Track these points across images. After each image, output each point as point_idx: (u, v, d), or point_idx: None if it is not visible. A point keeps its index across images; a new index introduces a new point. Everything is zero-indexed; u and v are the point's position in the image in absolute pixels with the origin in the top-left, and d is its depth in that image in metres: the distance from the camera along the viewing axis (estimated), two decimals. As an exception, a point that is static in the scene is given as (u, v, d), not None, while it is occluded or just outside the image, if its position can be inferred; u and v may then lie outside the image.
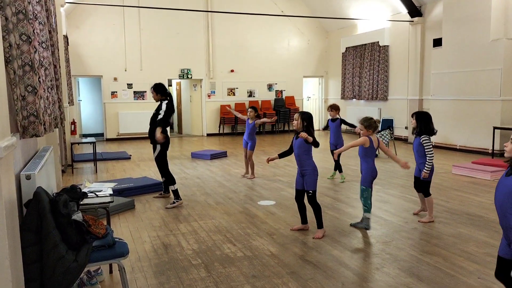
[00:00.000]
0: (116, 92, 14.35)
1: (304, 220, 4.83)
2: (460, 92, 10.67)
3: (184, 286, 3.51)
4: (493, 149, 9.69)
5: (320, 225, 4.66)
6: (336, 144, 7.43)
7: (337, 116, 7.42)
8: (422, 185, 5.17)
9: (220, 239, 4.61)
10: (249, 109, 7.73)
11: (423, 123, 5.02)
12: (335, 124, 7.39)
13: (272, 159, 4.88)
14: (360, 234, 4.75)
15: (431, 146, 4.98)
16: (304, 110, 16.92)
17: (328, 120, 7.64)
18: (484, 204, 5.87)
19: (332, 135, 7.49)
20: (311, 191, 4.57)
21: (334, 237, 4.63)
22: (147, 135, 6.28)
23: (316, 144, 4.49)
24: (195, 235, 4.77)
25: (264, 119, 8.11)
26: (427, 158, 4.95)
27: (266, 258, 4.06)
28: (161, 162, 6.11)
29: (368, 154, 4.74)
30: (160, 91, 6.09)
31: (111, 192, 4.11)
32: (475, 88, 10.27)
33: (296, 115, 4.60)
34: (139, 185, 6.80)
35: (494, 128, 9.60)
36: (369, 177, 4.74)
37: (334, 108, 7.45)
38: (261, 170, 8.45)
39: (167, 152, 6.14)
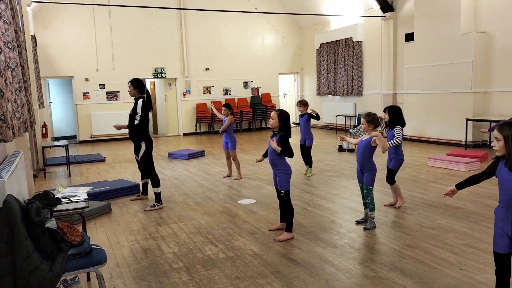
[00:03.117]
0: (88, 93, 14.01)
1: (282, 218, 4.77)
2: (433, 86, 10.85)
3: (166, 291, 3.41)
4: (466, 141, 9.90)
5: (289, 228, 4.52)
6: (305, 138, 7.59)
7: (306, 112, 7.56)
8: (388, 173, 5.42)
9: (201, 241, 4.53)
10: (223, 108, 7.62)
11: (396, 116, 5.32)
12: (304, 119, 7.52)
13: (260, 160, 4.86)
14: (342, 229, 4.74)
15: (401, 135, 5.24)
16: (281, 107, 17.00)
17: (299, 116, 7.75)
18: (461, 195, 5.96)
19: (302, 130, 7.57)
20: (283, 191, 4.48)
21: (316, 234, 4.60)
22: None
23: (288, 154, 4.34)
24: (175, 237, 4.67)
25: (225, 125, 7.48)
26: (394, 139, 5.20)
27: (249, 258, 4.00)
28: (147, 162, 5.97)
29: (372, 153, 4.69)
30: (138, 86, 5.94)
31: (86, 197, 3.97)
32: (447, 81, 10.46)
33: (273, 114, 4.43)
34: (115, 188, 6.62)
35: (467, 120, 9.80)
36: (374, 176, 4.73)
37: (302, 103, 7.67)
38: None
39: (152, 152, 6.03)
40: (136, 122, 5.82)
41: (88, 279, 3.69)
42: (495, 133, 2.52)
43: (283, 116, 4.43)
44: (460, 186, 2.98)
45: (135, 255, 4.21)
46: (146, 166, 6.02)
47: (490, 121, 9.42)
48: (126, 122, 6.07)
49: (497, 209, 2.65)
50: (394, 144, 5.20)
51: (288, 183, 4.49)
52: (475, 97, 9.95)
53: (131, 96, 6.02)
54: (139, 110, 5.83)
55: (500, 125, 2.51)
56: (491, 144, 2.61)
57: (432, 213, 5.19)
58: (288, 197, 4.52)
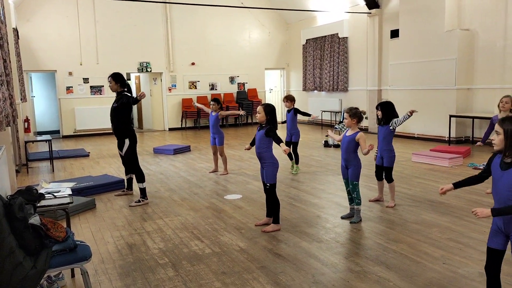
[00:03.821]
0: (72, 87, 13.79)
1: (269, 213, 4.78)
2: (417, 82, 10.97)
3: (152, 286, 3.39)
4: (449, 137, 10.04)
5: (276, 220, 4.59)
6: (291, 134, 7.49)
7: (292, 107, 7.49)
8: (385, 172, 5.37)
9: (187, 236, 4.51)
10: (212, 102, 7.60)
11: (389, 112, 5.27)
12: (290, 115, 7.47)
13: (248, 149, 4.85)
14: (327, 224, 4.77)
15: (398, 121, 5.20)
16: (267, 102, 16.98)
17: (286, 111, 7.69)
18: (444, 190, 6.04)
19: (288, 125, 7.53)
20: (268, 184, 4.52)
21: (302, 229, 4.63)
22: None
23: (276, 137, 4.40)
24: (161, 233, 4.65)
25: (231, 111, 7.82)
26: (397, 120, 5.16)
27: (235, 254, 4.00)
28: (131, 157, 5.89)
29: (357, 149, 4.71)
30: (119, 80, 5.85)
31: (70, 192, 3.93)
32: (431, 77, 10.59)
33: (259, 108, 4.53)
34: (100, 183, 6.55)
35: (450, 116, 9.94)
36: (359, 171, 4.76)
37: (289, 99, 7.56)
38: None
39: (136, 146, 5.96)
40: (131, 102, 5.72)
41: (73, 276, 3.65)
42: (496, 126, 2.49)
43: (269, 109, 4.48)
44: (458, 185, 2.88)
45: (120, 251, 4.17)
46: (130, 162, 5.95)
47: (473, 117, 9.58)
48: (113, 117, 5.95)
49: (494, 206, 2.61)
50: (400, 123, 5.16)
51: (274, 176, 4.51)
52: (458, 93, 10.09)
53: (113, 91, 5.92)
54: (132, 94, 5.76)
55: (501, 119, 2.50)
56: (491, 138, 2.60)
57: (416, 208, 5.26)
58: (274, 190, 4.54)
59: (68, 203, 3.55)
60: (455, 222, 4.71)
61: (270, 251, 4.05)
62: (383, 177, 5.46)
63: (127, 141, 5.83)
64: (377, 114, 5.35)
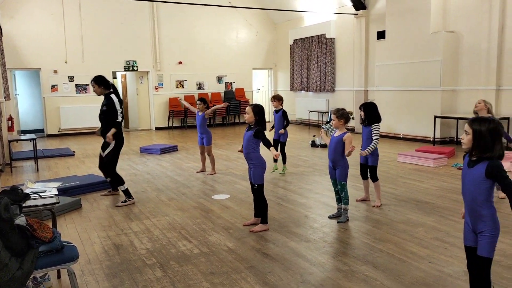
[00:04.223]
0: (57, 85, 13.61)
1: (256, 213, 4.79)
2: (403, 83, 11.09)
3: (139, 287, 3.37)
4: (434, 137, 10.17)
5: (264, 220, 4.61)
6: (279, 134, 7.42)
7: (280, 107, 7.44)
8: (370, 171, 5.41)
9: (175, 236, 4.49)
10: (198, 102, 7.57)
11: (371, 112, 5.30)
12: (278, 115, 7.41)
13: (242, 150, 4.75)
14: (315, 224, 4.80)
15: (379, 133, 5.24)
16: (254, 102, 16.99)
17: (274, 111, 7.61)
18: (429, 190, 6.14)
19: (276, 126, 7.49)
20: (256, 185, 4.53)
21: (290, 229, 4.64)
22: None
23: (267, 142, 4.46)
24: (148, 233, 4.62)
25: (214, 107, 7.89)
26: (373, 141, 5.18)
27: (224, 254, 4.00)
28: (111, 161, 5.81)
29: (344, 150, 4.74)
30: (102, 83, 5.76)
31: (56, 192, 3.87)
32: (417, 79, 10.71)
33: (248, 108, 4.54)
34: (85, 183, 6.49)
35: (435, 117, 10.08)
36: (347, 172, 4.79)
37: (277, 98, 7.52)
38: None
39: (121, 150, 5.88)
40: (119, 119, 5.68)
41: (59, 277, 3.60)
42: (466, 126, 2.55)
43: (257, 110, 4.49)
44: None
45: (107, 251, 4.14)
46: (108, 164, 5.84)
47: (458, 118, 9.72)
48: (96, 116, 5.87)
49: (464, 207, 2.71)
50: (373, 148, 5.17)
51: (262, 177, 4.52)
52: (443, 94, 10.23)
53: (98, 95, 5.83)
54: (117, 107, 5.69)
55: (471, 119, 2.55)
56: (461, 137, 2.66)
57: (402, 208, 5.32)
58: (261, 191, 4.55)
59: (54, 203, 3.51)
60: (440, 221, 4.77)
61: (258, 251, 4.05)
62: (368, 176, 5.51)
63: (112, 143, 5.75)
64: (360, 114, 5.40)
